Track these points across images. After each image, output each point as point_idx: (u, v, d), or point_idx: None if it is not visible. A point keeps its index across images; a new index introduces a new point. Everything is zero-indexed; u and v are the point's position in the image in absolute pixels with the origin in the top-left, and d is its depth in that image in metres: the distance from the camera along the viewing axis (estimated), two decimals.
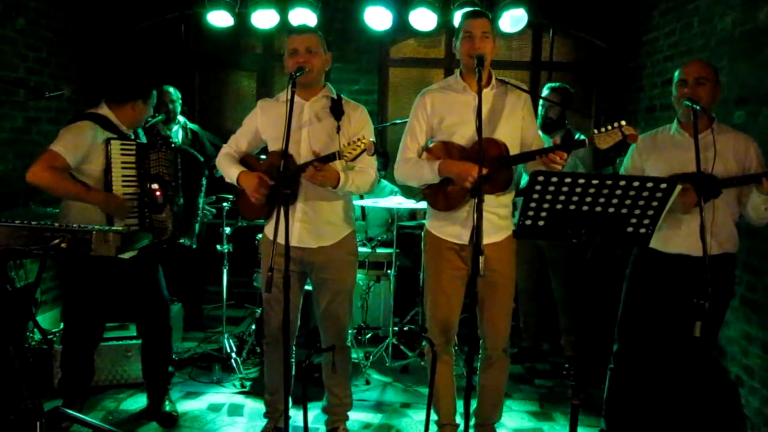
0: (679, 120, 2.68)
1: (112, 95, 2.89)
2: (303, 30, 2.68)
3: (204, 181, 3.14)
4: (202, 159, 3.14)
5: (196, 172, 3.06)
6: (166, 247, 2.99)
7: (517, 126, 2.56)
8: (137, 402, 3.28)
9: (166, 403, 3.14)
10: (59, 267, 2.95)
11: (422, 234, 2.78)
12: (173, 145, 2.97)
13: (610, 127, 2.24)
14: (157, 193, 2.82)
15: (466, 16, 2.53)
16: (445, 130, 2.57)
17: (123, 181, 2.78)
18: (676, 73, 2.60)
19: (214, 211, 3.75)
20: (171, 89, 4.29)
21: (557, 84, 3.99)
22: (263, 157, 2.78)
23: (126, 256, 2.75)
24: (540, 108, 3.88)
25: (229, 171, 2.70)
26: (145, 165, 2.83)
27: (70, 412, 2.73)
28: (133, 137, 2.90)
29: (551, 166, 2.30)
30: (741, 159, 2.56)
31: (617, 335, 2.83)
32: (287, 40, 2.62)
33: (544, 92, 3.94)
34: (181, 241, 3.01)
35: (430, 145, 2.61)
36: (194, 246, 3.16)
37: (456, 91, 2.58)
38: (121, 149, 2.78)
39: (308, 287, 2.89)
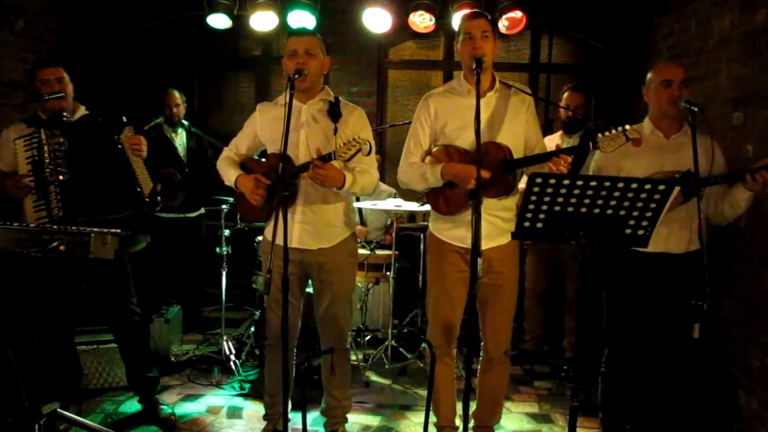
0: (652, 120, 2.69)
1: None
2: (302, 32, 2.68)
3: (125, 147, 2.79)
4: (118, 120, 2.85)
5: (109, 142, 2.76)
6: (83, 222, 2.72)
7: (521, 129, 2.56)
8: (136, 404, 3.26)
9: (163, 407, 3.13)
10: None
11: (422, 236, 2.78)
12: (58, 122, 2.79)
13: (614, 131, 2.24)
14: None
15: (466, 18, 2.54)
16: (448, 134, 2.58)
17: (27, 174, 2.76)
18: (651, 75, 2.65)
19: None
20: (176, 92, 4.29)
21: (574, 84, 3.96)
22: (264, 160, 2.79)
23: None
24: (563, 111, 3.89)
25: (228, 174, 2.72)
26: (39, 154, 2.77)
27: (69, 414, 2.72)
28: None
29: (559, 170, 2.30)
30: (710, 158, 2.55)
31: (606, 339, 2.82)
32: (286, 42, 2.62)
33: (567, 93, 3.92)
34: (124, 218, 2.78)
35: (433, 149, 2.62)
36: (155, 207, 2.92)
37: (460, 94, 2.59)
38: (24, 146, 2.77)
39: (309, 289, 2.90)
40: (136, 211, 2.78)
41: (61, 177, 2.74)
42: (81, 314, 3.16)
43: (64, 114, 2.81)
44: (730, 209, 2.54)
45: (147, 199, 2.82)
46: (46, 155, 2.74)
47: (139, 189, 2.80)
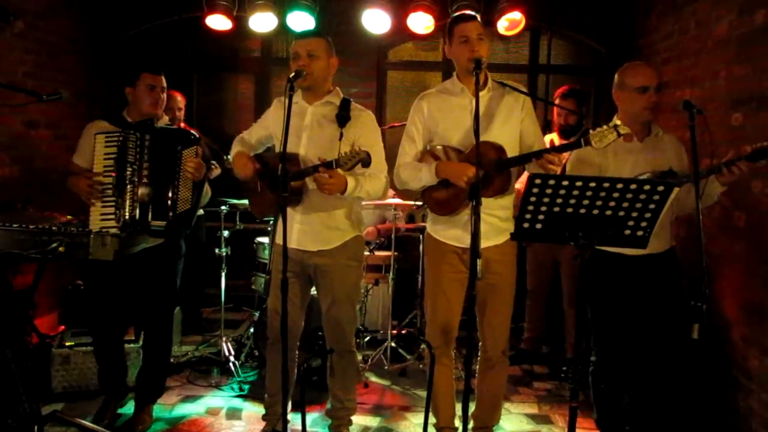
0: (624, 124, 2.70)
1: None
2: (306, 34, 2.70)
3: (182, 162, 2.80)
4: (193, 137, 2.87)
5: (172, 153, 2.78)
6: (134, 230, 2.76)
7: (515, 128, 2.56)
8: None
9: (139, 427, 3.00)
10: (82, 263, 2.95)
11: (421, 237, 2.79)
12: (149, 127, 2.84)
13: (605, 127, 2.24)
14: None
15: (459, 20, 2.53)
16: (441, 133, 2.59)
17: (104, 172, 2.76)
18: (622, 79, 2.67)
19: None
20: (179, 95, 4.27)
21: (569, 89, 3.96)
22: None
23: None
24: (556, 116, 3.88)
25: (233, 149, 2.81)
26: (122, 153, 2.78)
27: (68, 417, 2.73)
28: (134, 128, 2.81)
29: (548, 167, 2.31)
30: (681, 157, 2.63)
31: (593, 343, 2.81)
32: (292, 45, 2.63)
33: (557, 100, 3.91)
34: (155, 227, 2.78)
35: (428, 149, 2.63)
36: (185, 232, 2.93)
37: (453, 94, 2.60)
38: (106, 142, 2.77)
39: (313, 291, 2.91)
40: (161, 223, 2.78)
41: (144, 180, 2.75)
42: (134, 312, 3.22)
43: (152, 121, 2.89)
44: (705, 200, 2.52)
45: (173, 217, 2.79)
46: (131, 157, 2.75)
47: (172, 202, 2.78)
